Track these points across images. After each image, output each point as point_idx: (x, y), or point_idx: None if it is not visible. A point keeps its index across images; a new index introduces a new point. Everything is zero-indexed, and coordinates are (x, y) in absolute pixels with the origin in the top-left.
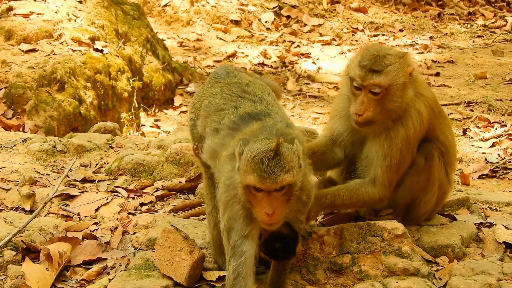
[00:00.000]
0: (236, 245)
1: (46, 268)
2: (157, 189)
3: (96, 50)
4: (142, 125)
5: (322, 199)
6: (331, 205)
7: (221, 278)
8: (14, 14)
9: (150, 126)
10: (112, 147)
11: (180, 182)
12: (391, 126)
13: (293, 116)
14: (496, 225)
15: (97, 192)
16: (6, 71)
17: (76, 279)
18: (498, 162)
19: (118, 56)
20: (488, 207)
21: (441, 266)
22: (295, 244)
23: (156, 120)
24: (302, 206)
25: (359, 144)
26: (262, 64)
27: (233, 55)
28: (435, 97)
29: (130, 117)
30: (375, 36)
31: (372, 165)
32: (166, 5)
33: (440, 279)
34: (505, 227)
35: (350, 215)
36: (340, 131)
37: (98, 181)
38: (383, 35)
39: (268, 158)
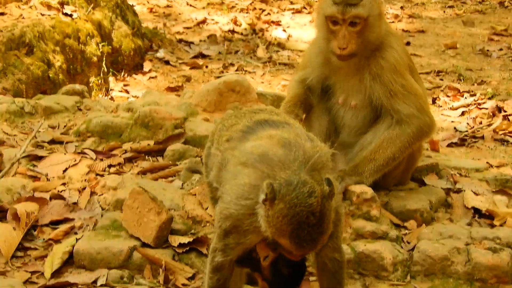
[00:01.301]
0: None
1: (13, 228)
2: (126, 151)
3: (65, 14)
4: (111, 89)
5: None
6: (385, 165)
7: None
8: None
9: (119, 91)
10: (80, 110)
11: (148, 144)
12: (371, 62)
13: (263, 83)
14: (465, 190)
15: (65, 154)
16: None
17: (43, 239)
18: (467, 131)
19: (87, 21)
20: (457, 173)
21: (410, 230)
22: (302, 275)
23: (125, 85)
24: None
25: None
26: (232, 31)
27: (203, 21)
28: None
29: (99, 81)
30: None
31: (383, 105)
32: None
33: (408, 242)
34: (473, 192)
35: None
36: (313, 80)
37: (66, 142)
38: None
39: (309, 225)
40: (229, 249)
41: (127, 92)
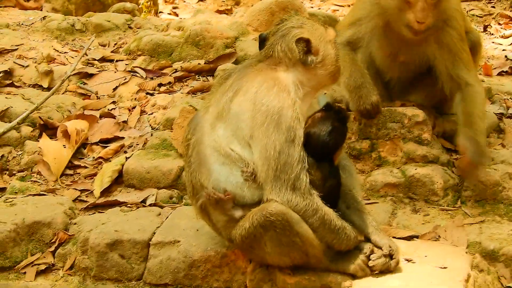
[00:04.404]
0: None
1: (64, 145)
2: (176, 70)
3: None
4: (160, 12)
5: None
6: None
7: None
8: None
9: (168, 13)
10: (131, 28)
11: (199, 63)
12: (438, 31)
13: (312, 7)
14: None
15: (115, 72)
16: None
17: (93, 157)
18: None
19: None
20: (510, 98)
21: (461, 155)
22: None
23: (174, 8)
24: None
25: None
26: None
27: None
28: None
29: (149, 3)
30: None
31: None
32: None
33: None
34: None
35: None
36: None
37: (117, 60)
38: None
39: None
40: None
41: (176, 15)
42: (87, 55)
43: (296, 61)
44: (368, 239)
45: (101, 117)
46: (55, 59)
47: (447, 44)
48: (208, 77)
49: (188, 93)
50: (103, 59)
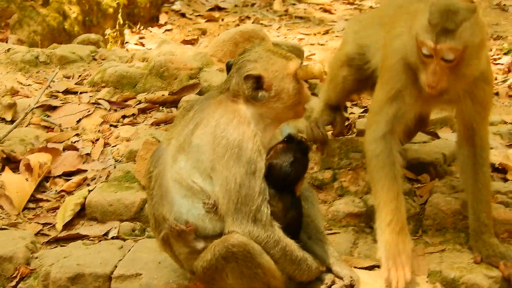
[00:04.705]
0: None
1: (26, 179)
2: (140, 102)
3: None
4: (126, 42)
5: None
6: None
7: None
8: None
9: (135, 44)
10: (95, 59)
11: (163, 95)
12: (472, 87)
13: (278, 36)
14: None
15: (79, 104)
16: None
17: (56, 190)
18: None
19: None
20: None
21: (422, 183)
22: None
23: (140, 38)
24: None
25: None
26: None
27: None
28: None
29: (115, 33)
30: None
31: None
32: None
33: (421, 196)
34: None
35: None
36: (402, 112)
37: (81, 92)
38: None
39: None
40: None
41: (142, 45)
42: (51, 87)
43: (248, 96)
44: (329, 270)
45: (64, 149)
46: (19, 91)
47: (481, 100)
48: (172, 108)
49: (152, 124)
50: (67, 91)
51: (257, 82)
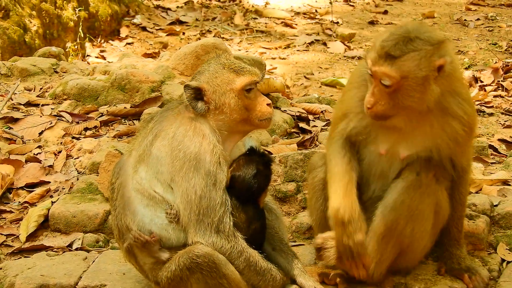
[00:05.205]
0: None
1: None
2: (102, 114)
3: None
4: (87, 55)
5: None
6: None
7: None
8: None
9: (96, 57)
10: (57, 72)
11: (125, 107)
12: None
13: (240, 50)
14: None
15: (41, 116)
16: None
17: (19, 202)
18: None
19: None
20: None
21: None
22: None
23: (101, 51)
24: None
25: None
26: None
27: None
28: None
29: (76, 47)
30: None
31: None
32: None
33: None
34: None
35: None
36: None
37: (42, 105)
38: None
39: None
40: None
41: (103, 58)
42: (12, 99)
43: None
44: (294, 281)
45: (26, 161)
46: None
47: (459, 141)
48: (134, 121)
49: (114, 137)
50: (28, 104)
51: (197, 93)
